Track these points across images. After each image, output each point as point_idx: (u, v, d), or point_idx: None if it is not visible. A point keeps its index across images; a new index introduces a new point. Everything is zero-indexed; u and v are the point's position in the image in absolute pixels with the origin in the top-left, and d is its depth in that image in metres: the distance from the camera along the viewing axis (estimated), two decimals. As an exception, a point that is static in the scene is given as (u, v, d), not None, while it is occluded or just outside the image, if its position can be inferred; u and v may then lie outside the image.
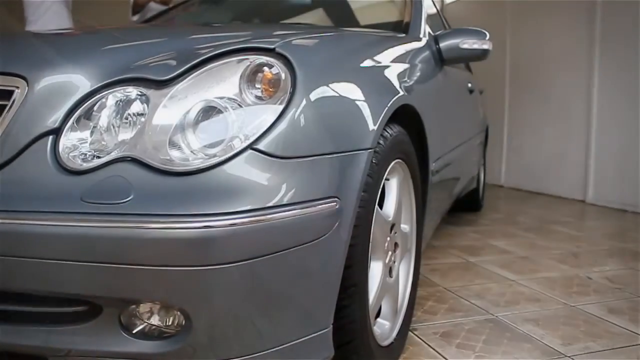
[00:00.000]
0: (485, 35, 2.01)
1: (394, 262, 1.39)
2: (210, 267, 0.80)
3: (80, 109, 0.94)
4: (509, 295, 1.95)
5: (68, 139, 0.92)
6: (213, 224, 0.79)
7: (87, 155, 0.90)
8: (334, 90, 1.04)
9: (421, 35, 1.91)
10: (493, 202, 4.21)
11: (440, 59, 1.99)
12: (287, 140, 0.90)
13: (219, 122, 0.90)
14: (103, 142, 0.91)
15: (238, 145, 0.87)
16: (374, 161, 1.11)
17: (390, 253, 1.34)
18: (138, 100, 0.94)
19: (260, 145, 0.87)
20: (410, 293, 1.52)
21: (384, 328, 1.35)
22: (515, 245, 2.76)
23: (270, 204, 0.84)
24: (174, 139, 0.88)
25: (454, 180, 2.51)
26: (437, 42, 1.98)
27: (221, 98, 0.92)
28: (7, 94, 0.95)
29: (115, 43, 1.16)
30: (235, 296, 0.85)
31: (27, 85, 0.95)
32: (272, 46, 0.98)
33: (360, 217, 1.07)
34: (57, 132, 0.92)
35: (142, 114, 0.93)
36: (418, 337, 1.56)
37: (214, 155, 0.87)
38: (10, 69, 0.96)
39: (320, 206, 0.92)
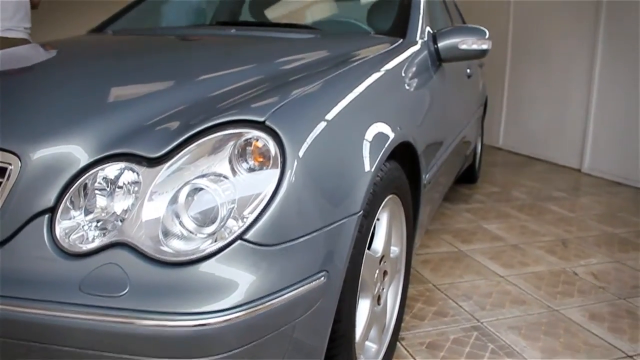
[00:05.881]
0: (485, 34, 1.97)
1: (383, 289, 1.44)
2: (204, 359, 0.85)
3: (74, 186, 0.95)
4: (496, 296, 2.03)
5: (63, 219, 0.94)
6: (207, 322, 0.83)
7: (84, 237, 0.92)
8: (324, 156, 1.05)
9: (418, 39, 1.88)
10: (490, 170, 4.24)
11: (439, 59, 1.96)
12: (278, 224, 0.92)
13: (210, 202, 0.92)
14: (98, 222, 0.94)
15: (234, 227, 0.90)
16: (363, 215, 1.14)
17: (379, 284, 1.39)
18: (129, 178, 0.95)
19: (250, 236, 0.89)
20: (399, 311, 1.59)
21: (370, 352, 1.42)
22: (507, 229, 2.82)
23: (262, 295, 0.88)
24: (167, 224, 0.91)
25: (449, 173, 2.53)
26: (435, 42, 1.95)
27: (212, 176, 0.94)
28: (1, 171, 0.95)
29: (108, 98, 1.15)
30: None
31: (20, 162, 0.95)
32: (262, 119, 0.98)
33: (349, 273, 1.10)
34: (52, 210, 0.94)
35: (135, 185, 0.94)
36: (405, 348, 1.65)
37: (212, 235, 0.90)
38: (1, 144, 0.97)
39: (310, 284, 0.96)
